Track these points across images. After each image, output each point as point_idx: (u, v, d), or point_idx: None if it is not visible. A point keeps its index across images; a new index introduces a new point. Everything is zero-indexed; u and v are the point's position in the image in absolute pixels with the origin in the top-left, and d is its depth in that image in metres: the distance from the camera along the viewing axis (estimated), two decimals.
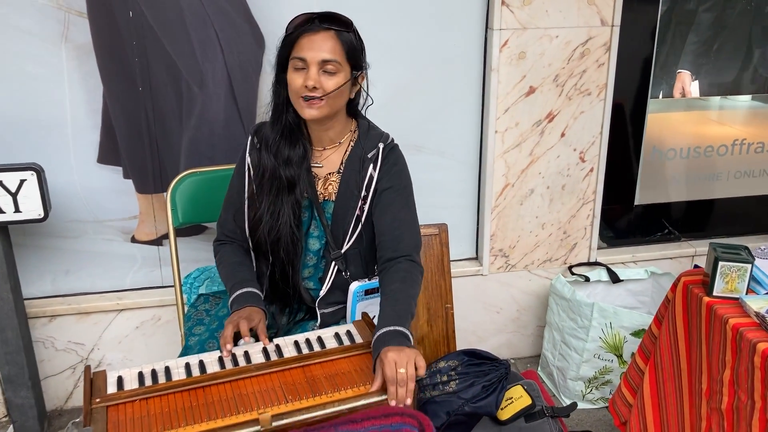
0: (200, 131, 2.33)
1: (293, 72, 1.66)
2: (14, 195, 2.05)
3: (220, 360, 1.53)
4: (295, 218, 1.76)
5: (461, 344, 2.69)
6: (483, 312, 2.72)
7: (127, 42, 2.20)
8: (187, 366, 1.50)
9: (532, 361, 2.81)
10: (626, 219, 2.85)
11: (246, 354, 1.54)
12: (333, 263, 1.80)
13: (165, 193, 2.36)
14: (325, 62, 1.63)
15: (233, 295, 1.70)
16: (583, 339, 2.43)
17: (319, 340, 1.60)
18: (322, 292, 1.81)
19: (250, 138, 1.82)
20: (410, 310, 1.61)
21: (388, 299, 1.62)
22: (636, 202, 2.80)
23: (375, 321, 1.80)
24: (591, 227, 2.68)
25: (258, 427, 1.32)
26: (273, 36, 2.27)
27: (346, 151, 1.80)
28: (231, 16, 2.22)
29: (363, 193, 1.76)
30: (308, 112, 1.67)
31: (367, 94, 1.80)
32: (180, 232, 2.32)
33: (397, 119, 2.44)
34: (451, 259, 2.58)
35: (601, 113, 2.52)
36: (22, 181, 2.04)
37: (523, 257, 2.66)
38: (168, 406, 1.38)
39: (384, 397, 1.41)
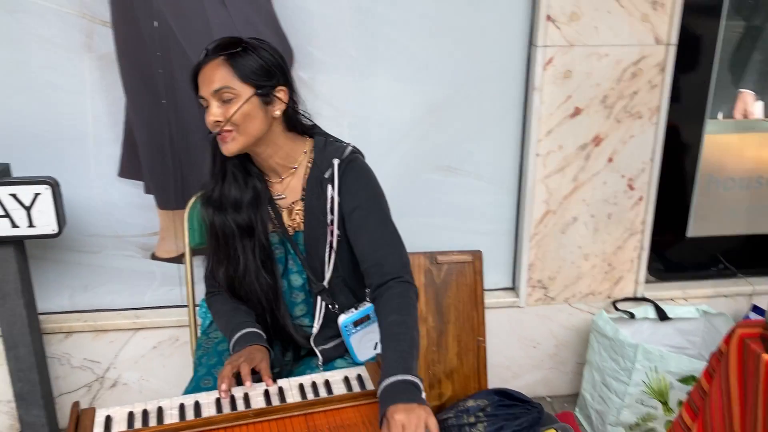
0: None
1: (204, 112, 1.54)
2: (28, 209, 1.98)
3: (218, 402, 1.41)
4: (263, 262, 1.64)
5: (493, 380, 2.52)
6: (518, 346, 2.55)
7: (151, 52, 2.12)
8: (181, 407, 1.39)
9: (569, 401, 2.62)
10: (677, 251, 2.64)
11: (246, 396, 1.42)
12: (318, 298, 1.67)
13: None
14: (217, 92, 1.50)
15: (233, 339, 1.59)
16: (625, 382, 2.24)
17: (327, 384, 1.46)
18: (314, 330, 1.68)
19: (195, 200, 1.72)
20: (414, 344, 1.45)
21: (388, 338, 1.46)
22: (689, 234, 2.59)
23: (378, 349, 1.67)
24: (638, 260, 2.48)
25: None
26: (302, 50, 2.16)
27: (305, 174, 1.65)
28: (259, 27, 2.12)
29: (329, 217, 1.62)
30: (224, 148, 1.54)
31: (293, 108, 1.61)
32: (199, 250, 2.22)
33: (430, 139, 2.31)
34: (485, 288, 2.43)
35: (652, 138, 2.33)
36: (36, 195, 1.97)
37: (563, 289, 2.48)
38: None
39: None
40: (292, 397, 1.42)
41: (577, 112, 2.27)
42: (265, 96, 1.54)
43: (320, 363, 1.66)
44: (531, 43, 2.23)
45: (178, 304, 2.41)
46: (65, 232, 2.03)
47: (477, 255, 2.40)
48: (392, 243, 1.60)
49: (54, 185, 1.97)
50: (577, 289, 2.49)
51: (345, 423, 1.35)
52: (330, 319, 1.68)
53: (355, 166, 1.62)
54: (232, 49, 1.52)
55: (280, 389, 1.44)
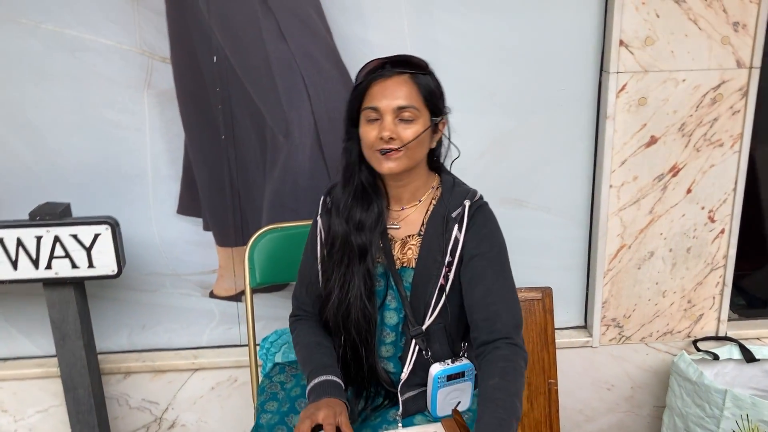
0: (284, 183, 2.18)
1: (366, 124, 1.48)
2: (88, 249, 1.95)
3: None
4: (366, 290, 1.55)
5: (565, 424, 2.38)
6: (591, 389, 2.40)
7: (210, 88, 2.08)
8: None
9: None
10: (762, 286, 2.46)
11: None
12: (413, 341, 1.56)
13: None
14: (400, 109, 1.45)
15: (311, 384, 1.50)
16: (712, 431, 2.07)
17: None
18: (403, 376, 1.57)
19: (322, 200, 1.64)
20: (515, 413, 1.35)
21: (487, 401, 1.36)
22: None
23: (459, 409, 1.56)
24: (721, 296, 2.32)
25: None
26: None
27: (428, 210, 1.57)
28: (319, 61, 2.06)
29: (447, 258, 1.52)
30: (386, 166, 1.47)
31: (450, 143, 1.59)
32: (259, 289, 2.16)
33: (496, 171, 2.21)
34: (555, 327, 2.30)
35: (735, 167, 2.18)
36: (96, 236, 1.94)
37: (639, 328, 2.33)
38: None
39: None
40: None
41: (653, 140, 2.14)
42: (435, 125, 1.51)
43: (399, 415, 1.56)
44: (602, 70, 2.12)
45: (236, 344, 2.35)
46: (123, 271, 1.99)
47: (547, 292, 2.27)
48: (509, 300, 1.51)
49: (114, 225, 1.94)
50: (654, 328, 2.34)
51: None
52: (417, 367, 1.58)
53: (484, 212, 1.56)
54: (419, 70, 1.48)
55: None
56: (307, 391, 1.51)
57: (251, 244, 1.98)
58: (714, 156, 2.17)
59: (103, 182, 2.14)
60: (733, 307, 2.42)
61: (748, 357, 2.26)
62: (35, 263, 1.95)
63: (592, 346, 2.35)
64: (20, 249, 1.94)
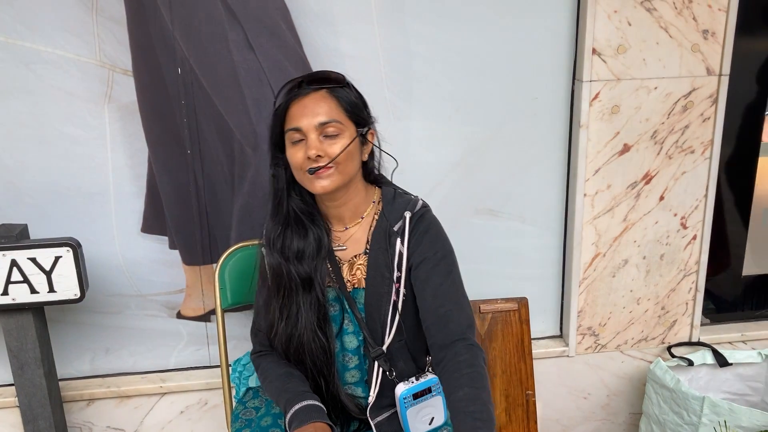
0: (254, 197, 2.10)
1: (291, 147, 1.44)
2: (48, 273, 1.84)
3: None
4: (318, 320, 1.50)
5: None
6: (568, 398, 2.39)
7: (174, 101, 2.00)
8: None
9: None
10: (732, 291, 2.49)
11: None
12: (375, 363, 1.52)
13: (214, 265, 2.14)
14: (323, 125, 1.41)
15: (290, 412, 1.44)
16: None
17: None
18: (370, 399, 1.54)
19: (264, 229, 1.57)
20: (491, 420, 1.30)
21: (462, 415, 1.31)
22: (744, 273, 2.44)
23: (434, 424, 1.54)
24: (693, 302, 2.33)
25: None
26: None
27: (371, 226, 1.54)
28: (288, 72, 2.00)
29: (396, 273, 1.49)
30: (319, 185, 1.43)
31: (381, 152, 1.57)
32: (229, 308, 2.08)
33: (470, 181, 2.18)
34: (532, 337, 2.28)
35: (705, 173, 2.20)
36: (57, 258, 1.84)
37: (615, 336, 2.33)
38: None
39: None
40: None
41: (626, 149, 2.14)
42: (363, 136, 1.48)
43: None
44: (575, 78, 2.11)
45: (206, 365, 2.26)
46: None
47: (523, 302, 2.26)
48: (458, 300, 1.47)
49: (76, 247, 1.84)
50: (629, 335, 2.34)
51: None
52: (385, 387, 1.54)
53: (425, 220, 1.51)
54: (336, 84, 1.44)
55: None
56: (287, 419, 1.45)
57: (221, 263, 1.90)
58: (685, 163, 2.18)
59: (63, 201, 2.04)
60: (704, 311, 2.43)
61: (722, 362, 2.28)
62: None
63: (568, 356, 2.33)
64: None
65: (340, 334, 1.56)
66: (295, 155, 1.43)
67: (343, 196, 1.50)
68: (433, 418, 1.55)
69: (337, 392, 1.55)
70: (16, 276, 1.83)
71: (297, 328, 1.50)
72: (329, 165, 1.41)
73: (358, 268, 1.53)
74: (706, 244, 2.27)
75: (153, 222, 2.11)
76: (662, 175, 2.18)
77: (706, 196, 2.22)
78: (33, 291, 1.85)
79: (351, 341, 1.56)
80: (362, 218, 1.54)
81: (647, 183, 2.18)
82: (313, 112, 1.41)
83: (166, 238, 2.13)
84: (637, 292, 2.29)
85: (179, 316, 2.21)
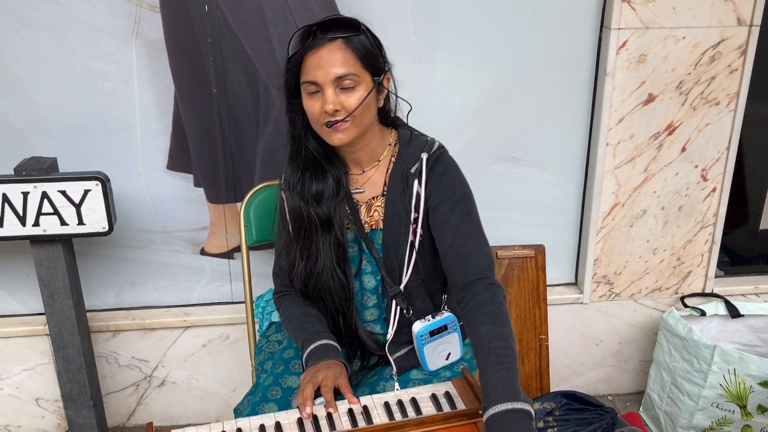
0: (277, 138, 2.12)
1: (308, 98, 1.43)
2: (78, 206, 1.89)
3: (300, 423, 1.31)
4: (338, 259, 1.53)
5: (555, 378, 2.42)
6: (580, 344, 2.44)
7: (201, 39, 2.00)
8: (262, 429, 1.29)
9: (632, 399, 2.52)
10: (748, 245, 2.50)
11: (329, 417, 1.32)
12: (393, 301, 1.56)
13: (238, 204, 2.18)
14: (339, 78, 1.39)
15: (307, 351, 1.48)
16: (699, 384, 2.13)
17: (414, 402, 1.36)
18: (388, 336, 1.58)
19: (283, 173, 1.59)
20: (514, 356, 1.33)
21: (487, 352, 1.32)
22: (762, 227, 2.46)
23: (450, 360, 1.58)
24: (709, 254, 2.35)
25: None
26: None
27: (388, 169, 1.55)
28: (314, 11, 1.99)
29: (413, 215, 1.51)
30: (336, 137, 1.43)
31: (397, 97, 1.55)
32: (253, 246, 2.12)
33: (493, 128, 2.18)
34: (547, 284, 2.31)
35: (729, 126, 2.19)
36: (86, 192, 1.88)
37: (629, 285, 2.36)
38: None
39: None
40: (378, 417, 1.32)
41: (650, 99, 2.13)
42: (379, 84, 1.46)
43: (394, 373, 1.56)
44: (603, 26, 2.09)
45: (228, 301, 2.32)
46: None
47: (540, 249, 2.29)
48: (477, 240, 1.49)
49: (104, 181, 1.87)
50: (643, 285, 2.37)
51: None
52: (403, 325, 1.58)
53: (442, 161, 1.52)
54: (352, 32, 1.41)
55: (365, 408, 1.34)
56: (303, 358, 1.50)
57: (247, 201, 1.93)
58: (710, 115, 2.17)
59: (90, 137, 2.07)
60: (719, 264, 2.45)
61: (733, 313, 2.31)
62: (22, 220, 1.88)
63: (582, 303, 2.37)
64: (6, 205, 1.87)
65: (359, 274, 1.59)
66: (312, 107, 1.43)
67: (360, 143, 1.51)
68: (449, 354, 1.60)
69: (356, 329, 1.59)
70: (46, 208, 1.88)
71: (316, 267, 1.53)
72: (346, 119, 1.41)
73: (375, 210, 1.55)
74: (726, 197, 2.28)
75: (178, 159, 2.14)
76: (685, 127, 2.17)
77: (728, 148, 2.22)
78: (63, 223, 1.90)
79: (369, 281, 1.60)
80: (379, 161, 1.56)
81: (670, 134, 2.18)
82: (330, 65, 1.39)
83: (191, 175, 2.16)
84: (654, 243, 2.31)
85: (203, 252, 2.26)
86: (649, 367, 2.39)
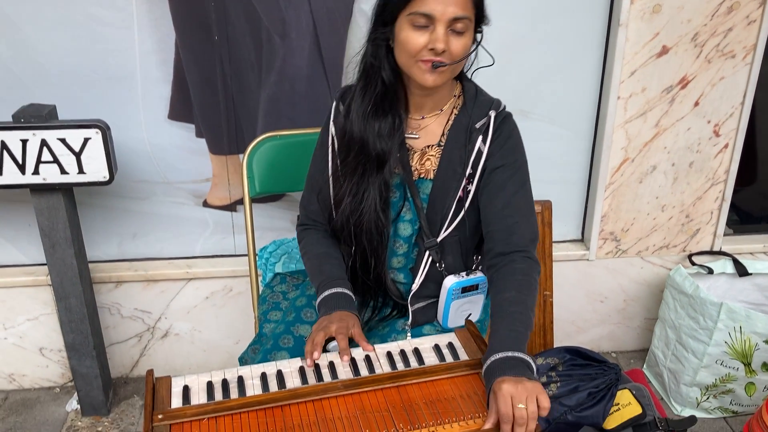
0: (281, 88, 2.08)
1: (411, 30, 1.35)
2: (78, 155, 1.86)
3: (302, 371, 1.30)
4: (381, 201, 1.48)
5: (558, 334, 2.42)
6: (585, 301, 2.42)
7: None
8: (263, 377, 1.28)
9: (635, 357, 2.51)
10: (758, 203, 2.47)
11: (331, 365, 1.31)
12: (426, 253, 1.53)
13: (240, 156, 2.15)
14: (455, 20, 1.33)
15: (322, 296, 1.46)
16: (704, 342, 2.11)
17: (416, 352, 1.35)
18: (414, 287, 1.55)
19: (334, 104, 1.54)
20: (529, 327, 1.33)
21: (504, 314, 1.33)
22: None
23: (472, 320, 1.55)
24: (719, 211, 2.32)
25: None
26: None
27: (449, 120, 1.50)
28: None
29: (469, 170, 1.47)
30: (431, 79, 1.37)
31: (484, 51, 1.48)
32: (256, 199, 2.10)
33: (502, 80, 2.10)
34: (553, 240, 2.29)
35: (745, 80, 2.13)
36: (86, 140, 1.84)
37: (636, 242, 2.34)
38: (241, 428, 1.16)
39: None
40: (381, 367, 1.31)
41: (664, 51, 2.07)
42: (478, 34, 1.41)
43: (408, 325, 1.54)
44: None
45: (231, 254, 2.30)
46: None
47: (546, 205, 2.25)
48: (527, 213, 1.46)
49: (104, 129, 1.84)
50: (650, 242, 2.35)
51: (441, 396, 1.24)
52: (430, 278, 1.55)
53: (509, 123, 1.49)
54: None
55: (368, 357, 1.33)
56: (317, 303, 1.48)
57: (249, 151, 1.89)
58: (725, 68, 2.11)
59: (90, 85, 2.02)
60: (728, 222, 2.42)
61: (741, 271, 2.29)
62: (21, 168, 1.86)
63: (588, 260, 2.35)
64: (5, 153, 1.84)
65: (396, 220, 1.55)
66: (416, 40, 1.35)
67: (434, 88, 1.45)
68: (470, 314, 1.58)
69: (383, 275, 1.57)
70: (46, 156, 1.85)
71: (361, 206, 1.49)
72: (449, 64, 1.35)
73: (428, 159, 1.51)
74: (738, 153, 2.23)
75: (180, 109, 2.10)
76: (699, 80, 2.12)
77: (742, 103, 2.16)
78: (63, 171, 1.87)
79: (405, 229, 1.56)
80: (441, 110, 1.51)
81: (683, 87, 2.12)
82: (450, 3, 1.32)
83: (192, 126, 2.12)
84: (663, 199, 2.27)
85: (205, 204, 2.23)
86: (654, 325, 2.38)
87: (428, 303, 1.57)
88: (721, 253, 2.36)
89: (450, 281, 1.50)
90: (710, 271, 2.28)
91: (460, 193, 1.48)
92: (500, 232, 1.44)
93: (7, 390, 2.36)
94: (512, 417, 1.15)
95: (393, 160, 1.47)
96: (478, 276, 1.53)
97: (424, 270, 1.53)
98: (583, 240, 2.39)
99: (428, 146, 1.50)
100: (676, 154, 2.21)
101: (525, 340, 1.29)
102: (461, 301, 1.52)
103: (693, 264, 2.33)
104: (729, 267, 2.31)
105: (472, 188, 1.48)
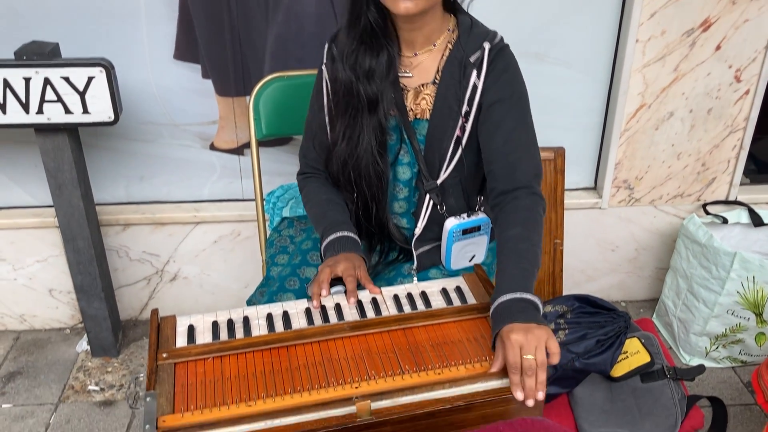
0: (288, 27, 2.02)
1: None
2: (82, 94, 1.82)
3: (308, 313, 1.29)
4: (377, 144, 1.44)
5: (567, 283, 2.40)
6: (596, 249, 2.40)
7: None
8: (269, 318, 1.27)
9: (645, 306, 2.50)
10: None
11: (338, 307, 1.30)
12: (427, 196, 1.50)
13: (247, 98, 2.11)
14: None
15: (327, 240, 1.44)
16: (716, 292, 2.09)
17: (424, 296, 1.33)
18: (417, 231, 1.52)
19: (327, 46, 1.49)
20: (537, 264, 1.30)
21: (509, 252, 1.30)
22: None
23: (472, 262, 1.53)
24: (736, 160, 2.26)
25: (352, 408, 1.08)
26: None
27: (443, 55, 1.44)
28: None
29: (465, 108, 1.41)
30: (403, 6, 1.30)
31: None
32: (263, 142, 2.06)
33: (516, 21, 2.06)
34: (565, 188, 2.25)
35: None
36: (90, 79, 1.81)
37: (650, 191, 2.29)
38: (246, 367, 1.16)
39: (505, 381, 1.14)
40: (387, 309, 1.30)
41: None
42: None
43: (414, 269, 1.53)
44: None
45: (239, 198, 2.28)
46: (119, 119, 1.87)
47: (560, 152, 2.20)
48: (529, 148, 1.41)
49: (109, 68, 1.80)
50: (665, 191, 2.30)
51: (447, 339, 1.22)
52: (432, 221, 1.52)
53: (505, 55, 1.41)
54: None
55: (374, 300, 1.32)
56: (322, 248, 1.46)
57: (256, 93, 1.85)
58: (750, 10, 2.03)
59: (93, 22, 1.97)
60: (745, 171, 2.37)
61: (756, 221, 2.25)
62: (25, 107, 1.83)
63: (600, 208, 2.31)
64: (8, 91, 1.81)
65: (395, 164, 1.52)
66: None
67: (420, 20, 1.39)
68: (474, 256, 1.55)
69: (385, 220, 1.55)
70: (50, 95, 1.82)
71: (357, 150, 1.45)
72: None
73: (423, 98, 1.46)
74: (759, 100, 2.17)
75: (186, 49, 2.05)
76: (722, 23, 2.04)
77: (766, 47, 2.09)
78: (67, 111, 1.84)
79: (404, 172, 1.52)
80: (434, 46, 1.44)
81: (705, 30, 2.05)
82: None
83: (199, 66, 2.08)
84: (679, 147, 2.22)
85: (212, 147, 2.20)
86: (664, 275, 2.35)
87: (433, 246, 1.55)
88: (736, 202, 2.31)
89: (450, 223, 1.48)
90: (724, 221, 2.24)
91: (457, 132, 1.43)
92: (502, 169, 1.39)
93: (18, 330, 2.38)
94: (521, 367, 1.12)
95: (387, 102, 1.42)
96: (479, 217, 1.50)
97: (426, 213, 1.50)
98: (595, 188, 2.35)
99: (422, 85, 1.45)
100: (694, 100, 2.15)
101: (532, 277, 1.26)
102: (463, 243, 1.50)
103: (707, 213, 2.29)
104: (744, 217, 2.26)
105: (469, 126, 1.43)
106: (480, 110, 1.42)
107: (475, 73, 1.39)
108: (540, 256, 1.31)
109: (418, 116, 1.47)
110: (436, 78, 1.44)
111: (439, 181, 1.48)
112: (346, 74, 1.43)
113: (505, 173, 1.39)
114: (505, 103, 1.40)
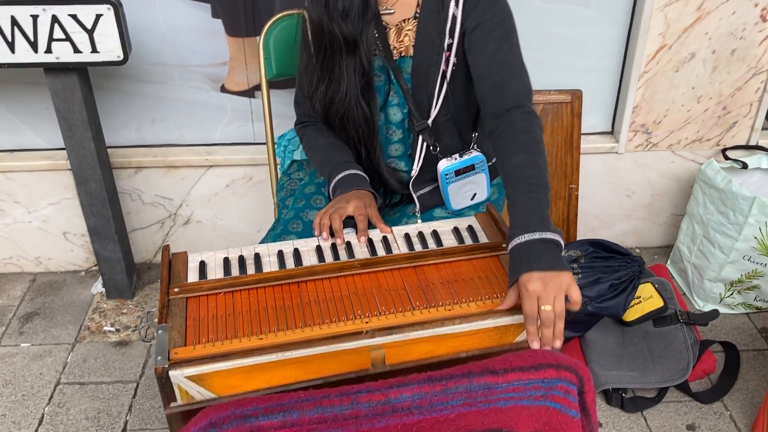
0: None
1: None
2: (90, 32, 1.79)
3: (318, 250, 1.28)
4: (362, 89, 1.42)
5: (582, 229, 2.38)
6: (611, 195, 2.36)
7: None
8: (280, 255, 1.27)
9: (660, 253, 2.47)
10: None
11: (348, 246, 1.29)
12: (420, 137, 1.47)
13: (258, 38, 2.06)
14: None
15: (335, 179, 1.42)
16: (733, 237, 2.06)
17: (435, 234, 1.32)
18: (413, 173, 1.50)
19: None
20: (548, 189, 1.25)
21: (518, 180, 1.24)
22: None
23: (476, 200, 1.51)
24: (759, 103, 2.20)
25: (364, 341, 1.08)
26: None
27: None
28: None
29: (447, 40, 1.38)
30: None
31: None
32: (274, 84, 2.03)
33: None
34: (582, 132, 2.21)
35: None
36: (98, 17, 1.77)
37: (668, 135, 2.25)
38: (257, 303, 1.16)
39: (516, 318, 1.13)
40: (398, 248, 1.29)
41: None
42: None
43: (417, 211, 1.51)
44: None
45: (251, 142, 2.26)
46: (129, 60, 1.84)
47: (577, 95, 2.16)
48: (515, 67, 1.37)
49: (117, 5, 1.76)
50: (683, 135, 2.26)
51: (458, 277, 1.21)
52: (429, 162, 1.50)
53: None
54: None
55: (385, 239, 1.31)
56: (331, 187, 1.45)
57: (266, 32, 1.81)
58: None
59: None
60: (767, 116, 2.31)
61: None
62: (34, 46, 1.81)
63: (617, 152, 2.27)
64: (16, 29, 1.78)
65: (385, 106, 1.50)
66: None
67: None
68: (475, 194, 1.53)
69: (378, 165, 1.53)
70: (58, 33, 1.79)
71: (338, 93, 1.43)
72: None
73: (406, 34, 1.42)
74: None
75: None
76: None
77: None
78: (76, 50, 1.81)
79: (395, 114, 1.50)
80: None
81: None
82: None
83: (208, 5, 2.04)
84: (700, 90, 2.17)
85: (223, 89, 2.18)
86: (680, 221, 2.32)
87: (434, 187, 1.53)
88: (757, 147, 2.26)
89: (442, 165, 1.46)
90: (744, 166, 2.20)
91: (442, 66, 1.40)
92: (490, 91, 1.35)
93: (34, 272, 2.41)
94: (537, 318, 1.08)
95: (368, 41, 1.38)
96: (472, 156, 1.48)
97: (421, 155, 1.48)
98: (612, 132, 2.30)
99: (404, 20, 1.41)
100: (717, 40, 2.08)
101: (547, 206, 1.22)
102: (460, 184, 1.48)
103: (726, 159, 2.25)
104: (764, 162, 2.22)
105: (453, 59, 1.39)
106: (462, 40, 1.38)
107: (453, 2, 1.36)
108: (548, 179, 1.27)
109: (403, 54, 1.44)
110: (416, 12, 1.41)
111: (429, 121, 1.46)
112: (318, 14, 1.39)
113: (494, 95, 1.36)
114: (486, 26, 1.36)
